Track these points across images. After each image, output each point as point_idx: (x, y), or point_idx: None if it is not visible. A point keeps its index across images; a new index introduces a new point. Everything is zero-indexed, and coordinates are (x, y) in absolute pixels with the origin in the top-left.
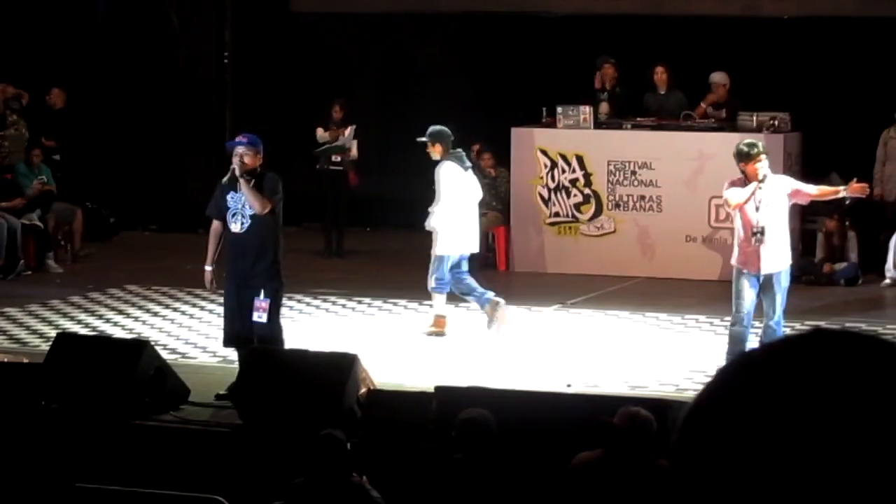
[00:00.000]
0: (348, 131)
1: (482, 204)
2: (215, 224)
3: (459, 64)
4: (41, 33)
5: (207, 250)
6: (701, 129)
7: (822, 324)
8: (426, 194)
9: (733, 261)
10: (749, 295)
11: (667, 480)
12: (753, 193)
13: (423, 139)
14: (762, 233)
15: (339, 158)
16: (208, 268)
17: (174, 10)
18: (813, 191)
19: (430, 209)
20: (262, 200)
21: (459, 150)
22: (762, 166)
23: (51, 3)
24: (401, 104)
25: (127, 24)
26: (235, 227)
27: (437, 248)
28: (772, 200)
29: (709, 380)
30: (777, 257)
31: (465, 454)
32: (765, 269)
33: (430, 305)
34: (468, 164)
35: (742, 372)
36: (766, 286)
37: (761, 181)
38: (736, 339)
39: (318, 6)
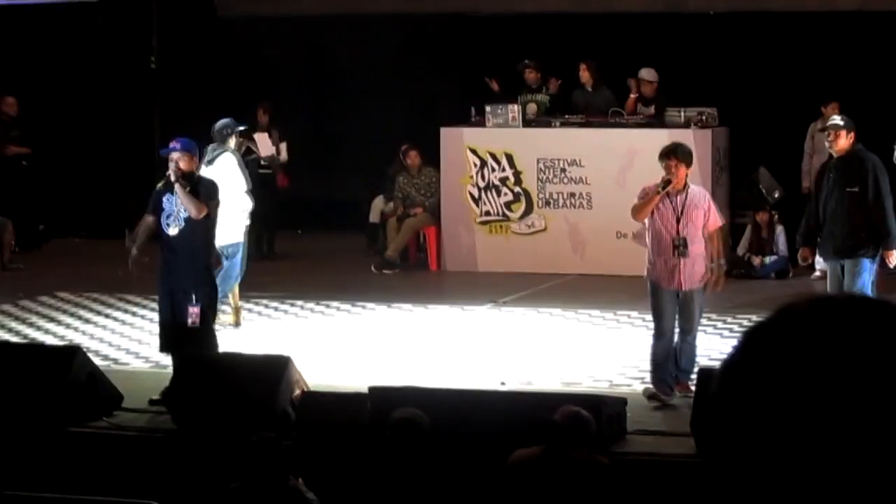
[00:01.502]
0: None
1: (410, 203)
2: (148, 217)
3: (387, 65)
4: None
5: (137, 237)
6: (630, 125)
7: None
8: (357, 195)
9: (647, 275)
10: (671, 311)
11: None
12: (651, 201)
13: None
14: (684, 245)
15: (266, 161)
16: (134, 251)
17: (101, 15)
18: (710, 228)
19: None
20: (199, 205)
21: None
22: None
23: None
24: (329, 106)
25: (54, 29)
26: (170, 230)
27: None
28: (692, 211)
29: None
30: (698, 272)
31: (398, 454)
32: (686, 285)
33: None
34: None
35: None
36: (684, 302)
37: (662, 187)
38: (664, 357)
39: (245, 9)
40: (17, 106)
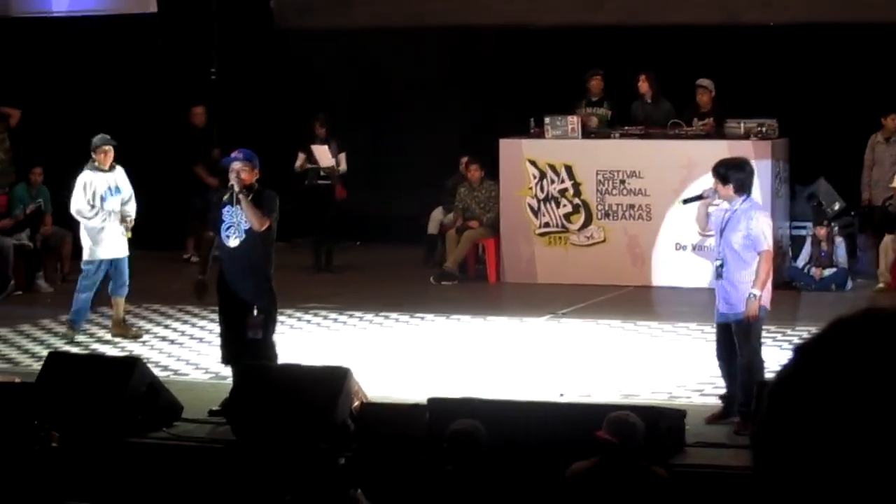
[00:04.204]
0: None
1: (470, 216)
2: (209, 236)
3: (445, 77)
4: (31, 55)
5: (201, 257)
6: (689, 137)
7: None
8: (415, 207)
9: (766, 301)
10: (718, 334)
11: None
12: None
13: (104, 146)
14: (720, 266)
15: (325, 173)
16: (200, 277)
17: (161, 28)
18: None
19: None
20: (261, 217)
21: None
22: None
23: (37, 25)
24: (387, 118)
25: (114, 42)
26: (231, 242)
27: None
28: (730, 233)
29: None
30: (736, 297)
31: (456, 466)
32: (722, 308)
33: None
34: None
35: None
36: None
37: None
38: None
39: (302, 22)
40: (206, 115)
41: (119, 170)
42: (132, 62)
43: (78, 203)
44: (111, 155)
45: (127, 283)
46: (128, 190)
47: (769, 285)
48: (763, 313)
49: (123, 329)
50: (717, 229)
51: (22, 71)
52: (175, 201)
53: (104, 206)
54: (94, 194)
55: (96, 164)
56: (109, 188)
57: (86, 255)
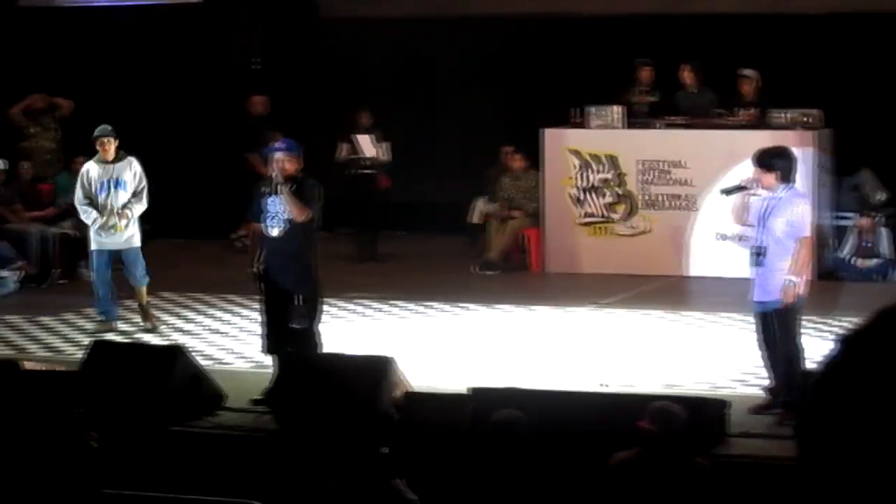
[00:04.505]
0: (371, 146)
1: (513, 206)
2: (256, 226)
3: (488, 66)
4: (75, 45)
5: (248, 253)
6: (733, 126)
7: (856, 321)
8: (458, 196)
9: (802, 289)
10: (756, 322)
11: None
12: (737, 205)
13: (101, 137)
14: (758, 254)
15: (368, 162)
16: (252, 269)
17: (204, 17)
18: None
19: (127, 203)
20: (302, 207)
21: None
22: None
23: (81, 15)
24: (430, 108)
25: (157, 31)
26: (273, 232)
27: (139, 240)
28: (772, 219)
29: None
30: (773, 284)
31: (498, 455)
32: (757, 297)
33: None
34: None
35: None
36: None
37: (727, 192)
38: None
39: (346, 11)
40: (268, 104)
41: (126, 162)
42: (177, 52)
43: (76, 193)
44: (110, 146)
45: (140, 273)
46: (133, 183)
47: (806, 273)
48: (800, 302)
49: (143, 315)
50: (757, 218)
51: (69, 61)
52: (227, 190)
53: (100, 198)
54: (90, 185)
55: (98, 155)
56: (109, 180)
57: (90, 246)
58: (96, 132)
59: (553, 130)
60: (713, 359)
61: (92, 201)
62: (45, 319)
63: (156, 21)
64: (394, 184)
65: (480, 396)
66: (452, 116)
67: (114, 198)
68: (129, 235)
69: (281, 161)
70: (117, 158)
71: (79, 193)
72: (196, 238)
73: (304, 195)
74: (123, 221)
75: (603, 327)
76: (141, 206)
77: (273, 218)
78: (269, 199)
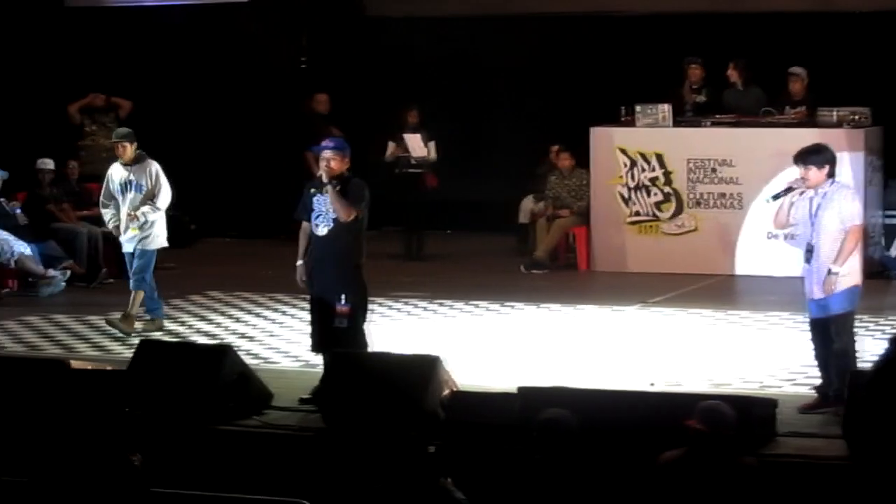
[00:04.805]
0: (421, 145)
1: (560, 205)
2: (304, 224)
3: (535, 65)
4: (123, 45)
5: (299, 247)
6: (781, 125)
7: None
8: (505, 195)
9: (858, 278)
10: (812, 320)
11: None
12: (780, 208)
13: (116, 141)
14: (809, 250)
15: (416, 161)
16: (300, 262)
17: (252, 16)
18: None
19: (138, 206)
20: (348, 207)
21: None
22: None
23: (128, 14)
24: (477, 106)
25: (205, 30)
26: (319, 231)
27: (155, 243)
28: (823, 213)
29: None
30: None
31: (545, 454)
32: (813, 294)
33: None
34: None
35: None
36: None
37: (773, 197)
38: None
39: (393, 9)
40: (329, 103)
41: (144, 165)
42: (224, 51)
43: (102, 194)
44: (125, 150)
45: (138, 278)
46: (149, 186)
47: (858, 262)
48: (854, 296)
49: (122, 319)
50: (806, 217)
51: (118, 60)
52: (279, 189)
53: (119, 200)
54: (112, 186)
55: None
56: (127, 182)
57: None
58: (113, 135)
59: (601, 129)
60: (761, 358)
61: (115, 202)
62: (93, 318)
63: (203, 20)
64: (441, 182)
65: (528, 395)
66: (500, 115)
67: (128, 200)
68: (142, 237)
69: (328, 160)
70: (136, 161)
71: (103, 194)
72: (245, 237)
73: (350, 194)
74: (134, 223)
75: (650, 326)
76: (155, 210)
77: (320, 217)
78: (316, 198)
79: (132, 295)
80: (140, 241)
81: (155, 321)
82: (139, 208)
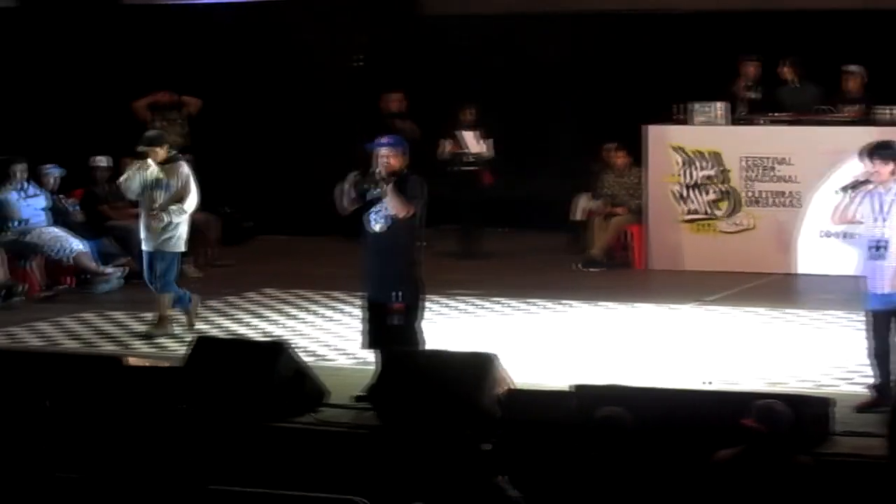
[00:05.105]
0: (477, 143)
1: (615, 203)
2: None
3: (591, 63)
4: (182, 42)
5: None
6: (838, 123)
7: None
8: (560, 193)
9: None
10: (878, 317)
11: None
12: (840, 204)
13: (143, 149)
14: (877, 247)
15: (472, 159)
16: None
17: (307, 16)
18: None
19: (165, 206)
20: (405, 203)
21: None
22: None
23: (184, 12)
24: (533, 104)
25: (262, 27)
26: (376, 228)
27: (177, 245)
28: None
29: None
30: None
31: (601, 452)
32: (885, 289)
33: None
34: None
35: None
36: None
37: (842, 188)
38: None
39: (449, 7)
40: (403, 102)
41: (175, 165)
42: (279, 50)
43: (132, 189)
44: (158, 153)
45: (162, 281)
46: (177, 187)
47: None
48: None
49: (157, 323)
50: (873, 213)
51: (173, 58)
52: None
53: (146, 198)
54: (143, 183)
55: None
56: (156, 181)
57: None
58: (142, 142)
59: (656, 127)
60: (817, 356)
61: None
62: (149, 315)
63: (258, 18)
64: (497, 180)
65: (583, 393)
66: (556, 113)
67: (154, 197)
68: (165, 238)
69: (385, 157)
70: (167, 160)
71: (134, 190)
72: (300, 234)
73: (407, 191)
74: (158, 223)
75: (706, 324)
76: (181, 212)
77: (376, 213)
78: (371, 194)
79: (159, 299)
80: (161, 242)
81: (186, 310)
82: (165, 208)
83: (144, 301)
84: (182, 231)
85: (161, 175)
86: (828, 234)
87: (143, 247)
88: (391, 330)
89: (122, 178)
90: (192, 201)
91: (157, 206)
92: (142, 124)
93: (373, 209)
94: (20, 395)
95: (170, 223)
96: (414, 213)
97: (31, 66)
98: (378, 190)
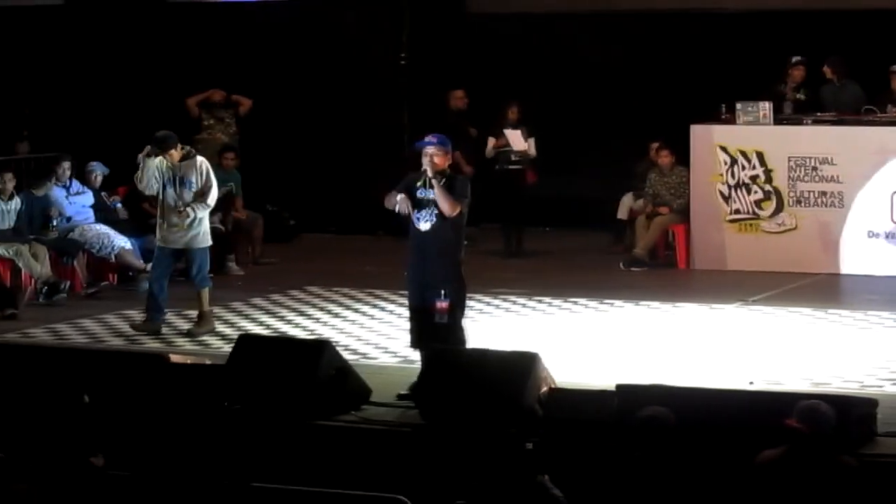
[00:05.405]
0: (521, 141)
1: (660, 202)
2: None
3: (635, 62)
4: (226, 41)
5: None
6: (883, 123)
7: None
8: (604, 192)
9: None
10: None
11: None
12: None
13: (157, 151)
14: None
15: (516, 157)
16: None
17: (352, 12)
18: None
19: (189, 202)
20: (453, 202)
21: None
22: None
23: (228, 10)
24: (577, 103)
25: (306, 25)
26: (422, 226)
27: (205, 240)
28: None
29: None
30: None
31: (644, 452)
32: None
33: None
34: None
35: None
36: None
37: None
38: None
39: (494, 6)
40: (466, 99)
41: (192, 161)
42: (324, 47)
43: (150, 184)
44: (173, 155)
45: (200, 275)
46: (199, 183)
47: None
48: None
49: (198, 320)
50: None
51: (218, 56)
52: (384, 184)
53: (165, 195)
54: (160, 178)
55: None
56: (174, 178)
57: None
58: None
59: (701, 126)
60: (862, 357)
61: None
62: (192, 313)
63: (303, 16)
64: (541, 179)
65: (626, 393)
66: (600, 112)
67: (179, 195)
68: (193, 235)
69: (431, 155)
70: (183, 157)
71: (152, 184)
72: (344, 232)
73: (454, 189)
74: (184, 220)
75: (750, 325)
76: (205, 207)
77: (422, 212)
78: (420, 192)
79: (200, 294)
80: (190, 239)
81: (150, 323)
82: (189, 204)
83: (187, 298)
84: (206, 225)
85: (180, 172)
86: (873, 235)
87: (166, 244)
88: (437, 328)
89: (136, 175)
90: (213, 195)
91: (181, 203)
92: (191, 121)
93: (420, 208)
94: (64, 392)
95: (195, 219)
96: (461, 212)
97: (77, 64)
98: (427, 190)
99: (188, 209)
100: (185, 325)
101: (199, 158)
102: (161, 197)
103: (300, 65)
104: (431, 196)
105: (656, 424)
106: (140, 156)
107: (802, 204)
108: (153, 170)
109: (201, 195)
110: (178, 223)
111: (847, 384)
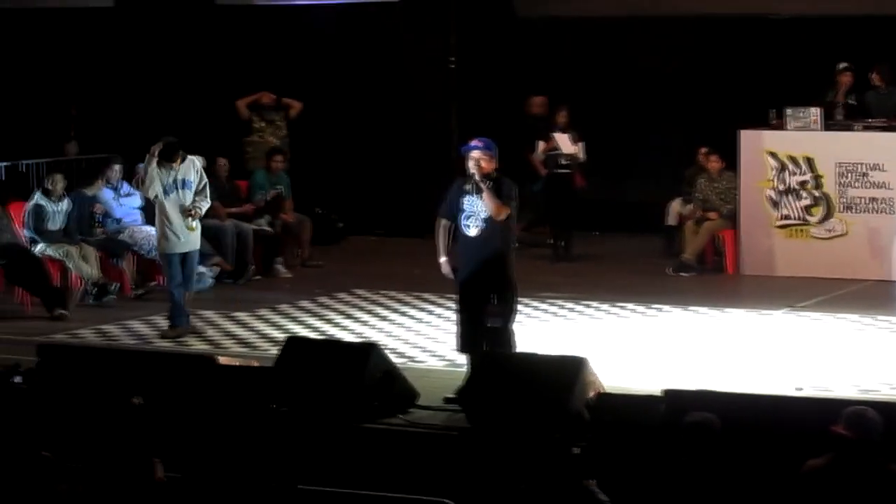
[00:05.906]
0: (570, 145)
1: (708, 207)
2: (443, 221)
3: (685, 67)
4: (275, 44)
5: (438, 245)
6: None
7: None
8: (653, 197)
9: None
10: None
11: None
12: None
13: (168, 163)
14: None
15: (566, 161)
16: (443, 259)
17: (402, 16)
18: None
19: (193, 201)
20: (500, 205)
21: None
22: None
23: (277, 13)
24: (626, 108)
25: (356, 29)
26: (470, 231)
27: (200, 241)
28: None
29: None
30: None
31: (691, 458)
32: None
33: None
34: None
35: None
36: None
37: None
38: None
39: (543, 10)
40: (547, 105)
41: (189, 162)
42: (372, 51)
43: (155, 189)
44: (177, 157)
45: (189, 278)
46: (197, 182)
47: None
48: None
49: (171, 328)
50: None
51: (266, 59)
52: (431, 187)
53: (170, 199)
54: (163, 184)
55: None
56: (175, 181)
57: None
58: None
59: (750, 132)
60: None
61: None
62: (241, 315)
63: (351, 20)
64: (589, 183)
65: (673, 398)
66: (649, 116)
67: (182, 197)
68: (196, 236)
69: (478, 160)
70: (182, 160)
71: (158, 190)
72: (391, 235)
73: (502, 193)
74: (194, 220)
75: (798, 331)
76: (206, 204)
77: (471, 217)
78: (468, 198)
79: (189, 295)
80: (194, 240)
81: (177, 328)
82: (195, 204)
83: (236, 300)
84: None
85: (180, 174)
86: None
87: (186, 248)
88: (486, 332)
89: (146, 181)
90: (208, 191)
91: (188, 204)
92: (241, 123)
93: (467, 213)
94: (114, 393)
95: (200, 218)
96: (509, 216)
97: (126, 66)
98: (473, 197)
99: (196, 208)
100: (233, 327)
101: (194, 158)
102: (164, 203)
103: (349, 68)
104: (478, 200)
105: (703, 430)
106: (148, 167)
107: (852, 210)
108: (157, 177)
109: (199, 193)
110: (190, 224)
111: (895, 391)
